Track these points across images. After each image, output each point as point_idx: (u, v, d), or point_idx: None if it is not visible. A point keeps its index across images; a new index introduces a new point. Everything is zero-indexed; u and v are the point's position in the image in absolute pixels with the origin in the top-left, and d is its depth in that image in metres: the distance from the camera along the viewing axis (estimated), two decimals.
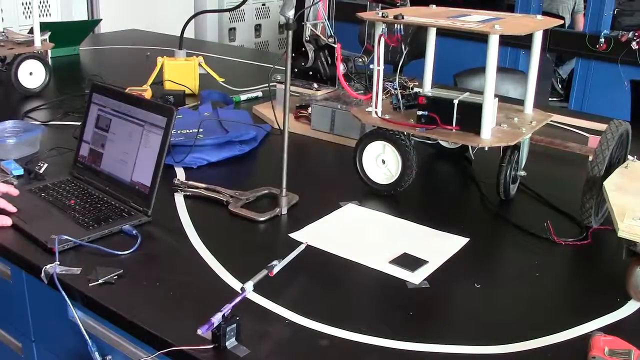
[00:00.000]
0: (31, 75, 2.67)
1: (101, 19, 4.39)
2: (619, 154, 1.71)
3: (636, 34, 4.24)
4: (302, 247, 1.48)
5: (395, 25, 1.79)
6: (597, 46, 4.40)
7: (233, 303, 1.20)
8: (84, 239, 1.51)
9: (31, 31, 2.82)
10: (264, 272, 1.35)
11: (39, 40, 2.76)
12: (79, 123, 1.91)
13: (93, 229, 1.56)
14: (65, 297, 1.36)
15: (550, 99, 5.84)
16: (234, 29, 5.95)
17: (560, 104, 5.88)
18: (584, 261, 1.58)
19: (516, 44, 4.62)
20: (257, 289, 1.36)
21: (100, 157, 1.78)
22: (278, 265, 1.38)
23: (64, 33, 3.30)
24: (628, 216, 1.35)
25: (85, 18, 4.75)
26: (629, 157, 1.70)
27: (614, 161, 1.67)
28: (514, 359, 1.20)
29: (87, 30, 3.68)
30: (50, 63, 2.83)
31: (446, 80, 2.98)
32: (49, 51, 2.94)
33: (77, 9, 4.72)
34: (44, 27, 2.90)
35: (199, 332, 1.17)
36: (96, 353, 1.37)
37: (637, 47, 4.20)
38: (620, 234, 1.33)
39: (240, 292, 1.27)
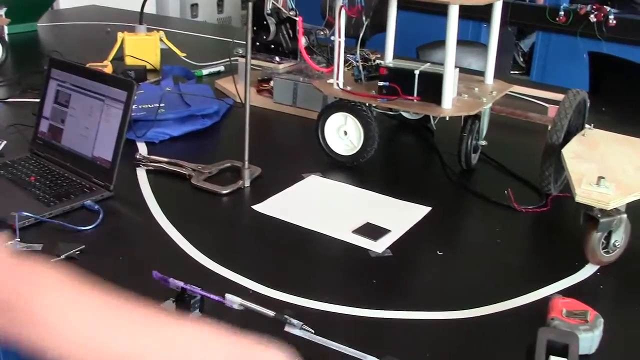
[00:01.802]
0: None
1: None
2: (577, 123, 1.73)
3: (594, 7, 4.28)
4: None
5: None
6: (557, 19, 4.43)
7: (205, 293, 1.19)
8: (45, 215, 1.50)
9: None
10: (269, 313, 1.17)
11: None
12: (38, 100, 1.89)
13: (54, 205, 1.54)
14: None
15: (512, 72, 5.88)
16: (196, 5, 5.90)
17: (522, 77, 5.92)
18: (543, 227, 1.61)
19: (478, 18, 4.62)
20: (220, 260, 1.37)
21: (60, 133, 1.76)
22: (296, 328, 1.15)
23: (21, 9, 3.24)
24: (585, 182, 1.38)
25: None
26: (587, 125, 1.72)
27: (572, 129, 1.69)
28: (475, 323, 1.23)
29: (45, 5, 3.60)
30: (7, 39, 2.79)
31: (409, 54, 2.98)
32: (6, 27, 2.88)
33: None
34: (0, 2, 2.84)
35: (153, 273, 1.19)
36: None
37: (595, 19, 4.24)
38: (578, 199, 1.35)
39: (222, 297, 1.20)
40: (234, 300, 1.17)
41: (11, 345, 0.78)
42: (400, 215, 1.59)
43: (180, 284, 1.18)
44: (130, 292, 1.25)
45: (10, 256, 0.84)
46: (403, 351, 1.14)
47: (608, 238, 1.39)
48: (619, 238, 1.40)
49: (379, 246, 1.45)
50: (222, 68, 2.73)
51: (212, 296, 1.18)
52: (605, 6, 4.31)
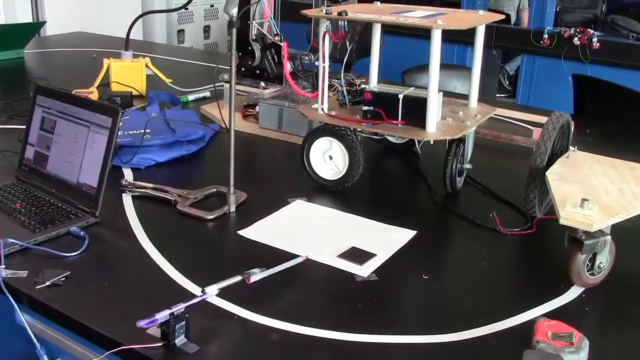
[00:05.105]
0: None
1: (46, 21, 4.32)
2: (561, 145, 1.74)
3: (577, 30, 4.34)
4: (298, 260, 1.45)
5: (340, 22, 1.80)
6: (541, 42, 4.48)
7: (188, 303, 1.19)
8: (30, 242, 1.49)
9: None
10: (237, 279, 1.27)
11: None
12: (24, 126, 1.89)
13: (39, 232, 1.54)
14: (12, 300, 1.34)
15: (497, 95, 5.92)
16: (183, 30, 5.91)
17: (508, 99, 5.97)
18: (529, 250, 1.62)
19: (463, 41, 4.67)
20: (206, 285, 1.36)
21: (46, 159, 1.76)
22: (258, 274, 1.32)
23: (8, 36, 3.25)
24: (569, 204, 1.38)
25: (30, 20, 4.68)
26: (571, 147, 1.74)
27: (556, 151, 1.70)
28: (461, 346, 1.22)
29: (31, 32, 3.62)
30: None
31: (395, 78, 3.00)
32: None
33: (21, 11, 4.63)
34: None
35: (138, 324, 1.16)
36: (45, 357, 1.36)
37: (578, 42, 4.29)
38: (562, 221, 1.36)
39: (201, 294, 1.24)
40: (212, 292, 1.19)
41: None
42: (386, 239, 1.59)
43: (166, 313, 1.17)
44: (115, 317, 1.26)
45: None
46: None
47: (593, 260, 1.40)
48: (604, 260, 1.41)
49: (364, 270, 1.45)
50: (207, 94, 2.74)
51: (194, 301, 1.18)
52: (588, 29, 4.37)
